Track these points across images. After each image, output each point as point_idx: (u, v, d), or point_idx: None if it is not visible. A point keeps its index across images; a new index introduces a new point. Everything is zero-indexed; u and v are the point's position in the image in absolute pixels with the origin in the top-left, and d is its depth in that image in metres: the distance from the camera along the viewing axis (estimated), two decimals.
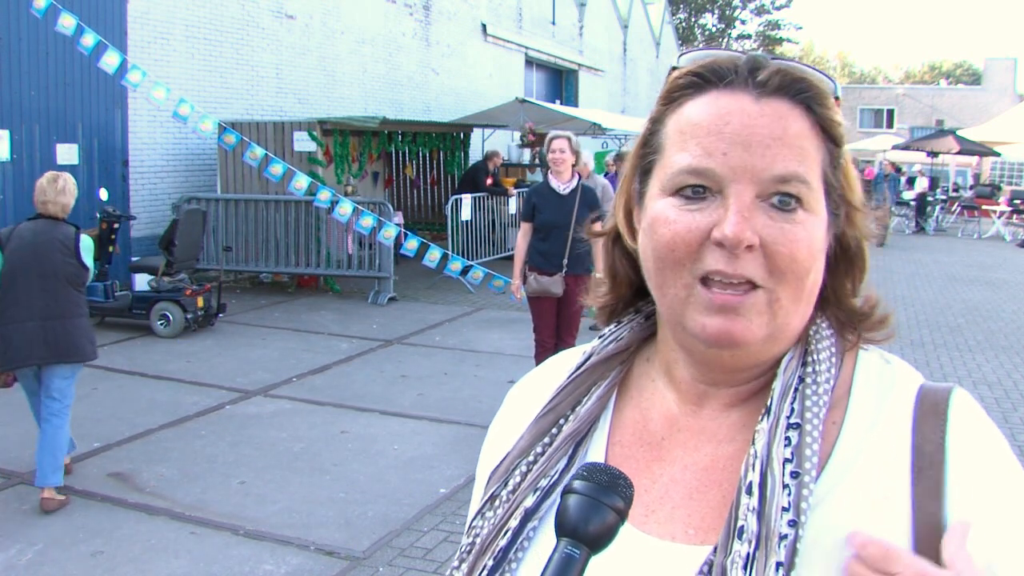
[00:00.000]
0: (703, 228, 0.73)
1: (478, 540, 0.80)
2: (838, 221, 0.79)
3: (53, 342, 4.56)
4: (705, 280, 0.74)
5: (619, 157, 10.96)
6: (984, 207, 22.00)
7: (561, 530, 0.66)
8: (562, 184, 5.83)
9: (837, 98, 0.78)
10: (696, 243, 0.73)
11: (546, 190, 5.91)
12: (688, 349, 0.80)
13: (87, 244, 4.77)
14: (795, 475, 0.70)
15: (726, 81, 0.76)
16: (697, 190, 0.74)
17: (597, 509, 0.66)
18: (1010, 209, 21.51)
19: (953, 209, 23.39)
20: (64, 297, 4.63)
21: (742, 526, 0.69)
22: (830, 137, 0.77)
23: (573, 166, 5.88)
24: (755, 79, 0.75)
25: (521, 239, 6.03)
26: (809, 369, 0.76)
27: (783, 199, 0.73)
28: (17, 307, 4.53)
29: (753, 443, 0.73)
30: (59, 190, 4.70)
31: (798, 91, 0.75)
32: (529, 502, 0.79)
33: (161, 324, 8.34)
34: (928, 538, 0.69)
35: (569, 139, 5.88)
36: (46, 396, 4.63)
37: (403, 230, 10.19)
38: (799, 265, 0.73)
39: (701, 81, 0.77)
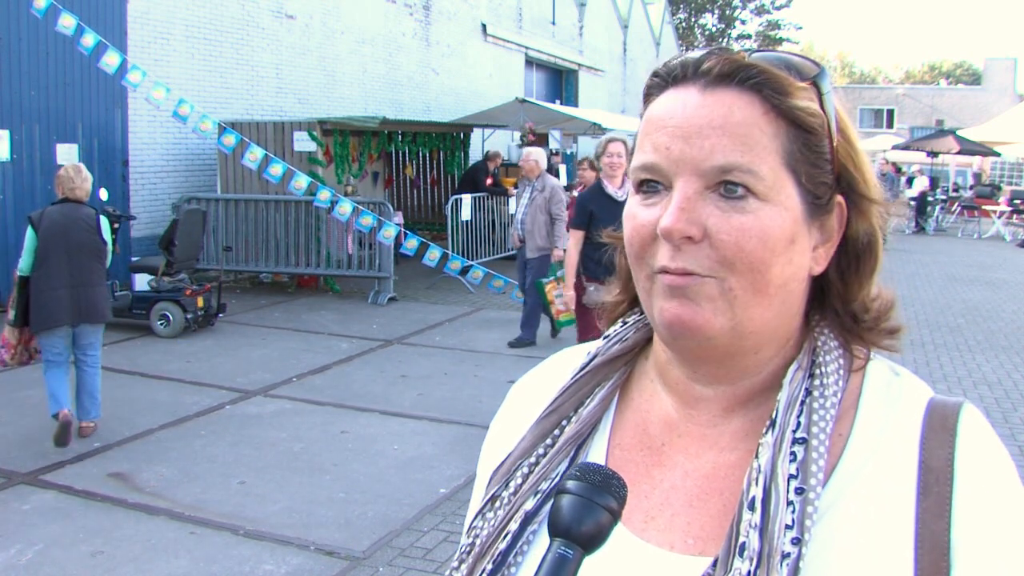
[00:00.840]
0: (653, 222, 0.74)
1: (478, 541, 0.79)
2: (823, 212, 0.76)
3: (79, 306, 5.40)
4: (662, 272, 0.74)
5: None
6: (984, 207, 22.00)
7: (554, 530, 0.66)
8: (618, 190, 5.69)
9: (815, 82, 0.75)
10: (649, 237, 0.74)
11: (602, 196, 5.71)
12: (667, 344, 0.80)
13: (105, 223, 5.69)
14: (800, 491, 0.69)
15: (675, 77, 0.76)
16: (652, 185, 0.75)
17: (590, 509, 0.65)
18: (1010, 209, 21.51)
19: (953, 209, 23.39)
20: (89, 268, 5.47)
21: (743, 543, 0.68)
22: (797, 123, 0.73)
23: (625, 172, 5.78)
24: (698, 70, 0.75)
25: (574, 248, 5.81)
26: (816, 382, 0.75)
27: (729, 186, 0.72)
28: (51, 277, 5.32)
29: (757, 456, 0.72)
30: (83, 178, 5.60)
31: (745, 78, 0.73)
32: (530, 505, 0.79)
33: (161, 324, 8.34)
34: (931, 555, 0.68)
35: (625, 143, 5.73)
36: (80, 353, 5.52)
37: (403, 230, 10.20)
38: (748, 255, 0.71)
39: (661, 81, 0.78)
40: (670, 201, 0.73)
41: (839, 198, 0.77)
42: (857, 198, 0.77)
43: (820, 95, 0.75)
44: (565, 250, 7.71)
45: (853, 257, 0.79)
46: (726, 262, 0.72)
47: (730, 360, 0.78)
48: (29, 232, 5.40)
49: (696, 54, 0.77)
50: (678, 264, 0.72)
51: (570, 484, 0.67)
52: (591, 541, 0.65)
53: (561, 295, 7.85)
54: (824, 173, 0.75)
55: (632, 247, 0.76)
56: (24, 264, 5.41)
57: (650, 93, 0.79)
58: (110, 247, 5.70)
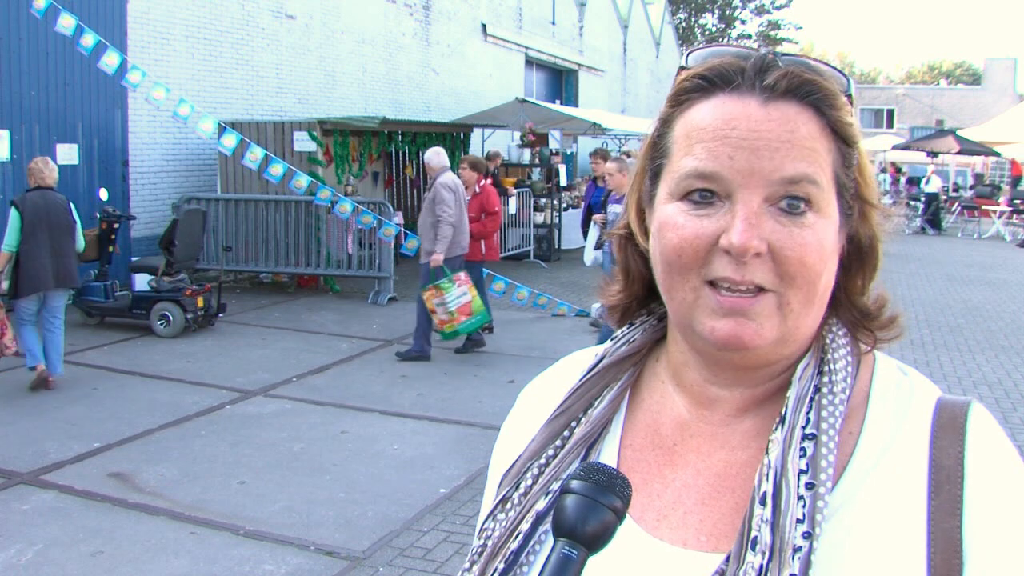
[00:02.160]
0: (711, 234, 0.72)
1: (489, 542, 0.80)
2: (851, 221, 0.78)
3: (58, 274, 6.47)
4: (713, 283, 0.73)
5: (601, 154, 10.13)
6: (984, 207, 21.99)
7: (558, 530, 0.66)
8: None
9: (849, 96, 0.76)
10: (704, 250, 0.73)
11: None
12: (699, 351, 0.79)
13: (72, 205, 6.85)
14: (810, 486, 0.70)
15: (732, 85, 0.75)
16: (704, 195, 0.73)
17: (595, 509, 0.65)
18: (1010, 209, 21.50)
19: (953, 209, 23.39)
20: (65, 242, 6.56)
21: (755, 537, 0.69)
22: (842, 137, 0.75)
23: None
24: (762, 82, 0.74)
25: None
26: (825, 379, 0.76)
27: (792, 202, 0.72)
28: (37, 250, 6.33)
29: (767, 453, 0.73)
30: (52, 168, 6.69)
31: (807, 93, 0.74)
32: (540, 505, 0.79)
33: (161, 324, 8.33)
34: (944, 554, 0.68)
35: None
36: (49, 315, 6.56)
37: (403, 230, 10.20)
38: (809, 269, 0.72)
39: (707, 84, 0.76)
40: (732, 215, 0.72)
41: None
42: (860, 202, 0.78)
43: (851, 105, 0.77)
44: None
45: (859, 259, 0.80)
46: (787, 276, 0.72)
47: (761, 367, 0.79)
48: (13, 213, 6.34)
49: (749, 60, 0.76)
50: (745, 277, 0.72)
51: (574, 484, 0.67)
52: (595, 541, 0.65)
53: (442, 303, 7.38)
54: (853, 183, 0.77)
55: (682, 258, 0.74)
56: (9, 241, 6.30)
57: (689, 96, 0.77)
58: (79, 225, 6.75)
